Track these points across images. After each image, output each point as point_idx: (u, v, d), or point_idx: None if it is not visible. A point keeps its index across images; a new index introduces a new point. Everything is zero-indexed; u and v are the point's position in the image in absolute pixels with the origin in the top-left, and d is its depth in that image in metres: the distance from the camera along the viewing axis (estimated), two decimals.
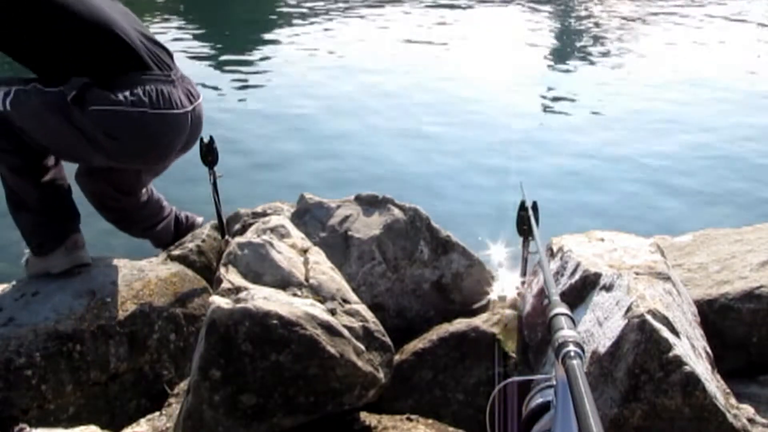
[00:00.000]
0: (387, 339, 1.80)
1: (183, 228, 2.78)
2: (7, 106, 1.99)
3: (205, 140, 2.66)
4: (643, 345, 1.54)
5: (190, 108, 2.10)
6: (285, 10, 10.61)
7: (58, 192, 2.17)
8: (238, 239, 1.92)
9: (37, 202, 2.13)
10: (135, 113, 1.95)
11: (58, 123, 1.97)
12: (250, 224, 2.29)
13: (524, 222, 2.12)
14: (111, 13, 2.03)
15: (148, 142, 2.06)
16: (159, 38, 2.21)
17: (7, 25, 1.93)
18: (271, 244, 1.89)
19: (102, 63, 1.98)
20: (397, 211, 2.40)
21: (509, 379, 1.05)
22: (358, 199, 2.48)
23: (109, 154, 2.04)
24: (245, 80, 6.96)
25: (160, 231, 2.70)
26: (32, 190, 2.12)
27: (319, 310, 1.70)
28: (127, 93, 1.95)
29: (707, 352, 1.78)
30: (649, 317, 1.56)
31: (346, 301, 1.83)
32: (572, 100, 6.54)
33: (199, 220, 2.83)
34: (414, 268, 2.34)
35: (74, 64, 1.98)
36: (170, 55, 2.15)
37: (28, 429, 1.77)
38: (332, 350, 1.62)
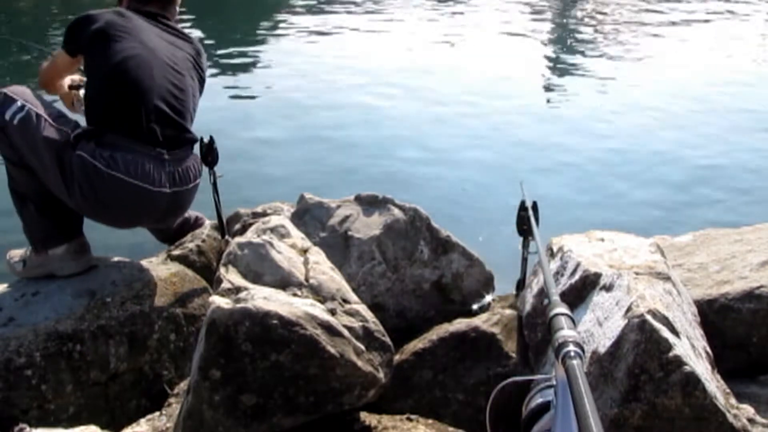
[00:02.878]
0: (387, 339, 1.80)
1: (188, 227, 2.78)
2: (15, 120, 2.06)
3: (206, 140, 2.66)
4: (643, 345, 1.54)
5: (168, 190, 2.14)
6: (286, 9, 10.61)
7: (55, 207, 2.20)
8: (238, 239, 1.92)
9: (42, 196, 2.16)
10: (106, 173, 2.02)
11: (50, 160, 2.06)
12: (250, 224, 2.29)
13: (524, 222, 2.12)
14: (150, 81, 2.13)
15: (111, 203, 2.11)
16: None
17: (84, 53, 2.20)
18: (271, 244, 1.89)
19: (110, 121, 2.09)
20: (397, 211, 2.40)
21: (509, 379, 1.05)
22: (358, 199, 2.48)
23: (77, 203, 2.10)
24: (245, 80, 6.96)
25: (174, 229, 2.75)
26: (37, 186, 2.14)
27: (319, 310, 1.70)
28: (109, 153, 2.03)
29: (707, 352, 1.78)
30: (649, 317, 1.56)
31: (346, 301, 1.83)
32: (572, 101, 6.54)
33: (207, 222, 2.83)
34: (414, 268, 2.34)
35: (91, 111, 2.16)
36: (184, 135, 2.23)
37: (28, 429, 1.77)
38: (332, 350, 1.62)
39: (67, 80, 2.47)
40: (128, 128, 2.08)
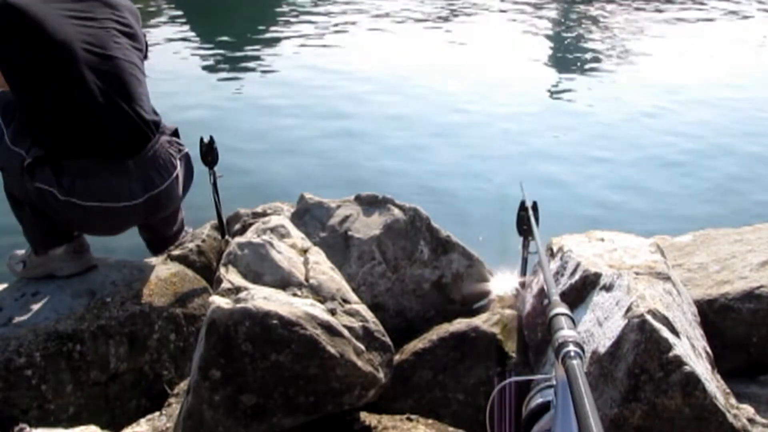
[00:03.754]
0: (387, 339, 1.80)
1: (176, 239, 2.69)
2: (37, 181, 1.99)
3: (206, 140, 2.66)
4: (643, 345, 1.54)
5: (141, 199, 2.06)
6: (287, 9, 10.61)
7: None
8: (238, 239, 1.92)
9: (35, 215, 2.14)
10: (66, 201, 1.98)
11: (15, 183, 2.06)
12: (250, 224, 2.29)
13: (524, 222, 2.12)
14: (84, 93, 1.94)
15: (81, 225, 2.14)
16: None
17: (20, 70, 1.92)
18: (271, 244, 1.89)
19: (61, 146, 1.97)
20: (397, 211, 2.40)
21: (509, 379, 1.05)
22: (358, 199, 2.48)
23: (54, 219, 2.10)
24: (245, 80, 6.96)
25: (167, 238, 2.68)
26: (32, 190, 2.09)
27: (319, 310, 1.70)
28: (68, 180, 1.96)
29: (707, 352, 1.78)
30: (649, 317, 1.56)
31: (346, 301, 1.83)
32: (572, 101, 6.54)
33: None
34: (414, 268, 2.34)
35: (45, 132, 1.98)
36: (142, 128, 2.04)
37: (28, 429, 1.77)
38: (332, 350, 1.62)
39: None
40: (83, 149, 1.97)
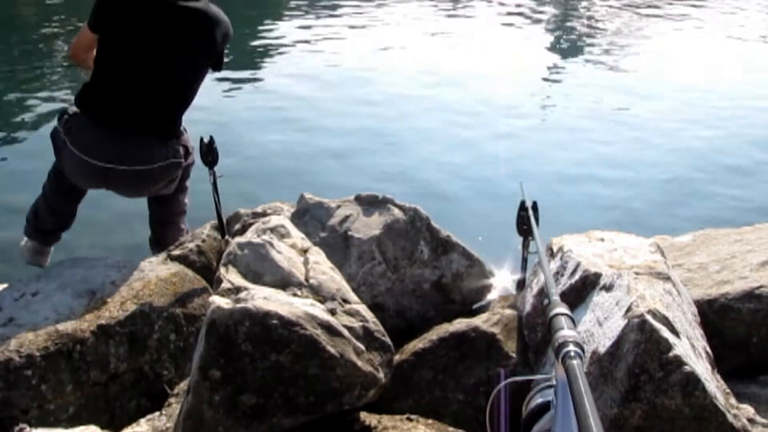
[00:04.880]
0: (387, 339, 1.80)
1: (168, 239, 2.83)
2: (61, 125, 2.44)
3: (205, 140, 2.66)
4: (643, 345, 1.54)
5: (101, 164, 2.37)
6: (287, 10, 10.62)
7: (63, 213, 2.66)
8: (238, 239, 1.92)
9: (49, 207, 2.63)
10: (64, 144, 2.39)
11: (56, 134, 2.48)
12: (250, 224, 2.29)
13: (524, 222, 2.12)
14: (132, 77, 2.36)
15: (65, 166, 2.47)
16: None
17: (113, 37, 2.37)
18: (271, 244, 1.89)
19: (93, 104, 2.40)
20: (397, 211, 2.40)
21: (509, 379, 1.05)
22: (358, 199, 2.48)
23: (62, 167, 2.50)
24: (245, 80, 6.96)
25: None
26: (51, 199, 2.60)
27: (319, 310, 1.70)
28: (75, 128, 2.39)
29: (707, 352, 1.78)
30: (649, 317, 1.56)
31: (346, 301, 1.83)
32: (573, 101, 6.54)
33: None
34: (414, 268, 2.34)
35: (88, 91, 2.42)
36: (155, 124, 2.42)
37: (28, 429, 1.77)
38: (332, 350, 1.62)
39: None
40: (93, 110, 2.38)
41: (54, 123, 2.51)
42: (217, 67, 2.55)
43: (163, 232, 2.79)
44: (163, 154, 2.43)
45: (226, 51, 2.55)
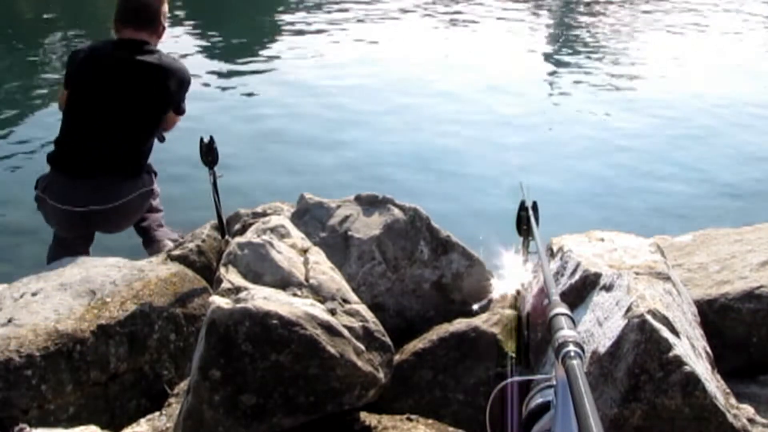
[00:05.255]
0: (387, 339, 1.80)
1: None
2: (38, 187, 2.73)
3: (205, 140, 2.66)
4: (643, 345, 1.54)
5: (79, 209, 2.61)
6: (286, 10, 10.61)
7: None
8: (238, 239, 1.92)
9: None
10: (40, 197, 2.67)
11: None
12: (250, 224, 2.29)
13: (524, 222, 2.12)
14: (84, 125, 2.62)
15: (51, 221, 2.75)
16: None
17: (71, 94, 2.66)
18: (271, 244, 1.89)
19: (59, 160, 2.66)
20: (397, 211, 2.40)
21: (509, 379, 1.05)
22: (358, 199, 2.48)
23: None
24: (245, 80, 6.96)
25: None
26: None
27: (319, 310, 1.70)
28: (47, 183, 2.66)
29: (707, 352, 1.78)
30: (649, 317, 1.56)
31: (346, 301, 1.83)
32: (572, 101, 6.54)
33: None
34: (414, 268, 2.34)
35: (55, 150, 2.69)
36: (112, 164, 2.64)
37: (28, 429, 1.77)
38: (332, 350, 1.62)
39: None
40: (64, 166, 2.63)
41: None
42: (179, 111, 2.79)
43: (151, 234, 2.96)
44: (133, 187, 2.69)
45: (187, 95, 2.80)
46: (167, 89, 2.65)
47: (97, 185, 2.62)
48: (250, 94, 6.51)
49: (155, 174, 2.89)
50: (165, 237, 2.95)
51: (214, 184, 2.69)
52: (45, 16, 9.27)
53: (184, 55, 7.86)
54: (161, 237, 2.95)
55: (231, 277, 1.79)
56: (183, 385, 2.04)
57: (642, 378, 1.53)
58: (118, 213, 2.69)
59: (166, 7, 2.69)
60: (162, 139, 2.93)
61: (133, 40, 2.61)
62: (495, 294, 2.43)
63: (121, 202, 2.66)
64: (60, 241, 2.83)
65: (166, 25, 2.72)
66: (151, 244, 2.94)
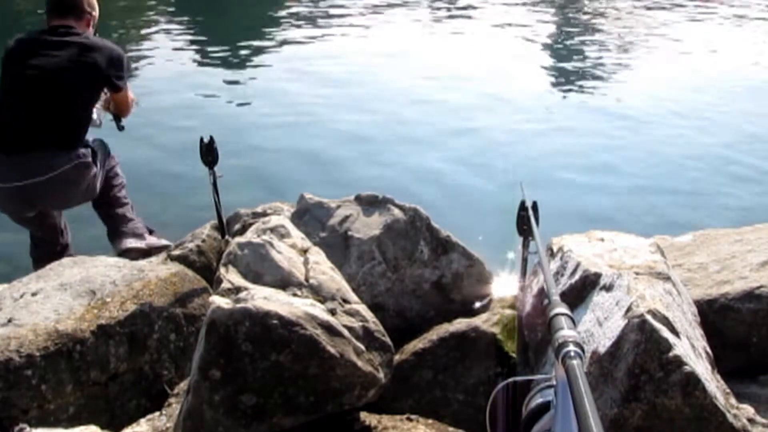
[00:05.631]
0: (387, 339, 1.80)
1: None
2: None
3: (205, 140, 2.66)
4: (643, 345, 1.54)
5: (16, 183, 2.63)
6: (287, 10, 10.61)
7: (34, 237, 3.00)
8: (238, 239, 1.92)
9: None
10: None
11: None
12: (250, 224, 2.29)
13: (524, 222, 2.12)
14: (22, 100, 2.67)
15: None
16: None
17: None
18: (271, 244, 1.89)
19: None
20: (397, 211, 2.40)
21: (509, 379, 1.05)
22: (358, 199, 2.48)
23: None
24: (245, 81, 6.96)
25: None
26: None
27: (319, 310, 1.70)
28: None
29: (707, 352, 1.78)
30: (649, 317, 1.56)
31: (346, 301, 1.83)
32: (572, 101, 6.54)
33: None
34: (414, 268, 2.34)
35: None
36: (41, 137, 2.67)
37: (28, 429, 1.77)
38: (332, 350, 1.62)
39: None
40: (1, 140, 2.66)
41: None
42: (115, 88, 2.84)
43: (114, 223, 3.03)
44: (67, 158, 2.69)
45: (130, 75, 2.94)
46: (93, 64, 2.74)
47: (31, 158, 2.66)
48: (249, 94, 6.51)
49: (102, 154, 2.91)
50: (131, 233, 3.00)
51: (214, 184, 2.68)
52: (39, 11, 9.30)
53: (184, 54, 7.86)
54: (127, 232, 2.99)
55: (231, 277, 1.79)
56: (183, 385, 2.04)
57: (642, 378, 1.53)
58: (55, 185, 2.70)
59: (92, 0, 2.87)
60: (120, 128, 3.04)
61: (59, 25, 2.76)
62: (495, 294, 2.43)
63: (55, 173, 2.68)
64: (30, 236, 2.90)
65: (95, 14, 2.89)
66: (114, 238, 2.99)
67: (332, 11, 10.35)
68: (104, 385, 2.01)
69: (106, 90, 2.88)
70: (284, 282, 1.81)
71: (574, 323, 0.91)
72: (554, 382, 0.92)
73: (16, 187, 2.65)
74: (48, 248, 2.91)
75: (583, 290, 1.83)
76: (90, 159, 2.80)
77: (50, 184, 2.68)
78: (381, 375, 1.72)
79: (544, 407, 0.97)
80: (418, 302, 2.34)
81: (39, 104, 2.69)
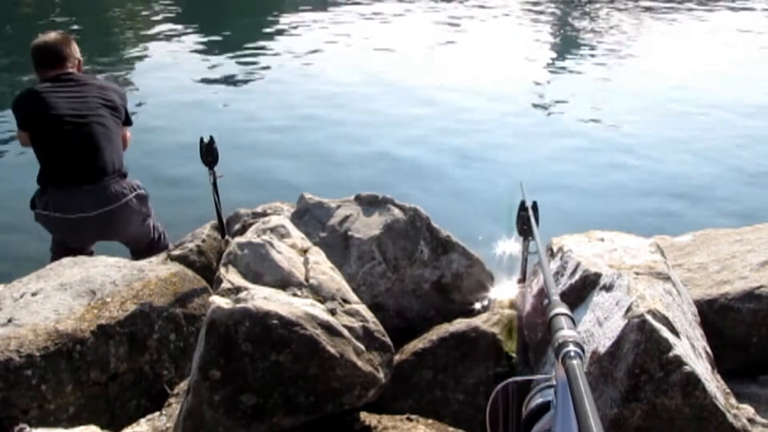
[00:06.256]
0: (387, 339, 1.80)
1: (155, 248, 3.08)
2: (37, 207, 2.88)
3: (205, 140, 2.66)
4: (643, 345, 1.54)
5: (92, 213, 2.77)
6: (287, 10, 10.60)
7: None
8: (238, 239, 1.92)
9: None
10: (42, 215, 2.83)
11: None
12: (250, 224, 2.29)
13: (524, 222, 2.12)
14: (63, 142, 2.80)
15: (56, 233, 2.94)
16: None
17: (34, 132, 2.88)
18: (271, 244, 1.89)
19: (49, 178, 2.83)
20: (397, 211, 2.40)
21: (509, 379, 1.05)
22: (358, 199, 2.48)
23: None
24: (245, 81, 6.96)
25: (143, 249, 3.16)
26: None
27: (319, 310, 1.70)
28: (43, 200, 2.82)
29: (707, 352, 1.78)
30: (649, 317, 1.56)
31: (346, 301, 1.83)
32: (573, 101, 6.54)
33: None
34: (414, 268, 2.34)
35: (41, 173, 2.86)
36: (102, 168, 2.83)
37: (28, 429, 1.77)
38: (332, 350, 1.62)
39: None
40: (58, 181, 2.81)
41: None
42: (128, 122, 3.05)
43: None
44: (123, 189, 2.87)
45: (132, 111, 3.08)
46: (113, 101, 2.98)
47: (98, 188, 2.81)
48: (249, 95, 6.51)
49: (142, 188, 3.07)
50: None
51: (214, 184, 2.69)
52: (43, 19, 9.27)
53: (184, 54, 7.86)
54: None
55: (231, 277, 1.79)
56: (183, 385, 2.04)
57: (642, 378, 1.53)
58: (123, 213, 2.85)
59: (74, 45, 3.03)
60: None
61: (61, 74, 2.94)
62: (495, 294, 2.43)
63: (123, 201, 2.84)
64: (61, 251, 2.94)
65: (81, 58, 3.08)
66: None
67: (333, 12, 10.35)
68: (104, 385, 2.01)
69: None
70: (284, 282, 1.81)
71: (574, 323, 0.91)
72: (554, 382, 0.92)
73: (89, 217, 2.77)
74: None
75: (583, 290, 1.83)
76: (144, 191, 3.00)
77: (118, 212, 2.85)
78: (381, 375, 1.72)
79: (544, 407, 0.97)
80: (418, 302, 2.34)
81: (89, 141, 2.84)
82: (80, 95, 2.92)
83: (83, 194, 2.78)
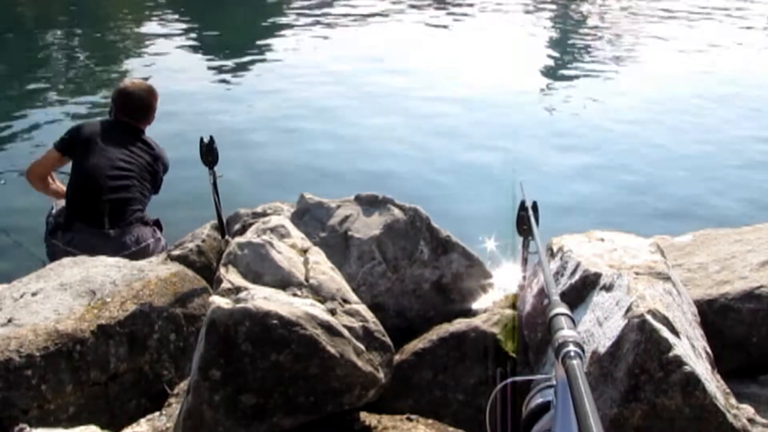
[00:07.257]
0: (387, 339, 1.80)
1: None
2: (59, 240, 3.07)
3: (205, 140, 2.66)
4: (643, 345, 1.54)
5: (111, 253, 2.82)
6: (287, 11, 10.61)
7: None
8: (238, 239, 1.92)
9: None
10: (62, 249, 2.93)
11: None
12: (250, 224, 2.29)
13: (524, 222, 2.12)
14: (99, 183, 3.01)
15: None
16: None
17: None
18: (271, 244, 1.89)
19: (72, 211, 3.04)
20: (397, 211, 2.40)
21: (509, 379, 1.05)
22: (358, 199, 2.48)
23: None
24: (245, 81, 6.96)
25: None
26: None
27: (319, 310, 1.70)
28: (68, 236, 3.00)
29: (707, 352, 1.78)
30: (649, 317, 1.56)
31: (346, 301, 1.83)
32: (573, 101, 6.54)
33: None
34: (414, 268, 2.34)
35: (67, 203, 3.11)
36: (127, 216, 3.05)
37: (28, 429, 1.76)
38: (332, 350, 1.62)
39: (57, 184, 3.34)
40: (84, 216, 3.00)
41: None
42: (158, 189, 3.29)
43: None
44: (148, 233, 3.11)
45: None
46: (157, 169, 3.25)
47: (123, 232, 3.02)
48: (249, 94, 6.51)
49: (161, 229, 3.29)
50: None
51: (214, 184, 2.68)
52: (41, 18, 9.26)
53: (185, 54, 7.85)
54: None
55: (231, 277, 1.79)
56: (183, 385, 2.04)
57: (642, 378, 1.53)
58: (143, 256, 2.93)
59: (158, 99, 3.30)
60: None
61: (128, 124, 3.20)
62: (495, 294, 2.43)
63: (143, 245, 3.06)
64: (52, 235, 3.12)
65: (156, 115, 3.34)
66: None
67: (333, 12, 10.35)
68: (104, 385, 2.01)
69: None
70: (284, 282, 1.81)
71: (574, 323, 0.91)
72: (554, 382, 0.92)
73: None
74: None
75: (583, 290, 1.83)
76: (161, 236, 3.20)
77: (136, 256, 2.92)
78: (381, 375, 1.72)
79: (544, 407, 0.97)
80: (418, 302, 2.34)
81: (122, 188, 3.06)
82: (131, 144, 3.13)
83: (108, 237, 2.96)
